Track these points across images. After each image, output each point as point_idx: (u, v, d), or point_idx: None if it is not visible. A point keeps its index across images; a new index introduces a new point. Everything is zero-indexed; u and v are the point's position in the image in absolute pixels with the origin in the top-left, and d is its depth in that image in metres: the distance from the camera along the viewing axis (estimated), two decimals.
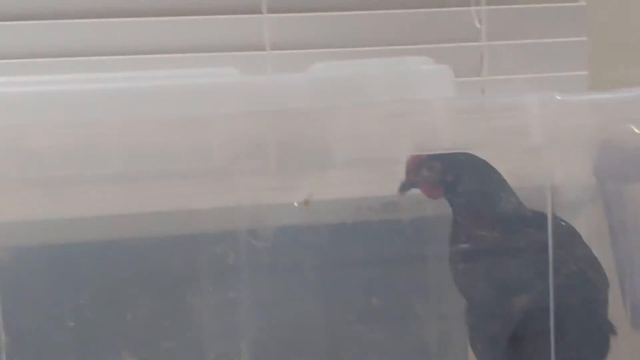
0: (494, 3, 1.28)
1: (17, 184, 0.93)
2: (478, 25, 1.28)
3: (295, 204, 1.01)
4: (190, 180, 0.98)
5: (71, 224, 1.01)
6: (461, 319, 1.03)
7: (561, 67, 1.29)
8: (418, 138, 0.98)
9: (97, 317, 1.04)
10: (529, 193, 1.01)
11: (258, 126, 0.94)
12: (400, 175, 1.02)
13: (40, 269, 1.01)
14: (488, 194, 1.02)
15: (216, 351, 1.01)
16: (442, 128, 0.97)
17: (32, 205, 0.97)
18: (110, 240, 1.04)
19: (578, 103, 0.98)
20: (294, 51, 1.23)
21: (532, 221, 1.00)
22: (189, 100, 0.93)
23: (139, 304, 1.04)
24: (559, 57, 1.30)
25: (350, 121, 0.95)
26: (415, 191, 1.02)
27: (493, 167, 1.02)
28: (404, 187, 1.02)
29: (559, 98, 0.95)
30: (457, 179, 1.01)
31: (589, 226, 1.06)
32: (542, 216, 0.98)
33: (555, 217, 0.97)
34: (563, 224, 1.01)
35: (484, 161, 1.02)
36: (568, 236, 1.01)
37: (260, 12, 1.21)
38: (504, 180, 1.02)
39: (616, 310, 1.03)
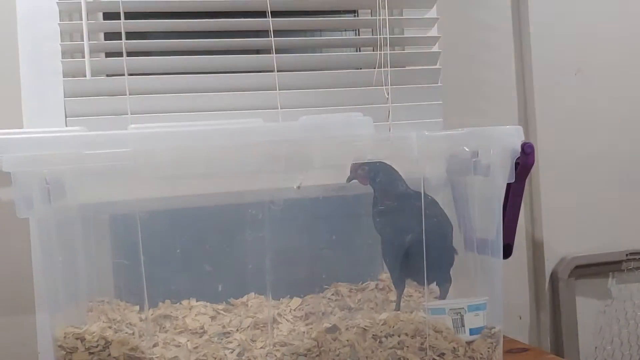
0: (395, 84, 1.27)
1: (149, 180, 0.92)
2: (387, 96, 1.26)
3: (295, 187, 0.99)
4: (239, 177, 0.98)
5: (177, 199, 1.00)
6: (378, 245, 1.03)
7: (429, 116, 1.29)
8: (356, 154, 0.99)
9: (192, 246, 1.03)
10: (413, 181, 1.00)
11: (274, 148, 0.93)
12: (347, 173, 1.01)
13: (162, 222, 0.99)
14: (391, 182, 1.01)
15: (252, 263, 1.00)
16: (368, 149, 0.98)
17: (157, 189, 0.96)
18: (198, 207, 1.03)
19: (437, 136, 0.99)
20: (293, 110, 1.22)
21: (414, 196, 1.00)
22: (239, 135, 0.92)
23: (213, 239, 1.03)
24: (428, 112, 1.29)
25: (322, 145, 0.95)
26: (355, 182, 1.02)
27: (394, 168, 1.02)
28: (349, 179, 1.02)
29: (427, 134, 0.95)
30: (376, 175, 1.01)
31: (443, 198, 1.06)
32: (418, 194, 0.98)
33: (425, 194, 0.98)
34: (429, 197, 1.00)
35: (390, 166, 1.02)
36: (432, 203, 1.01)
37: (275, 89, 1.21)
38: (400, 175, 1.02)
39: (456, 241, 1.03)
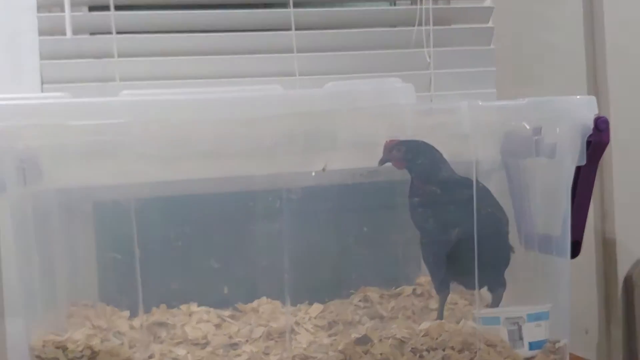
0: (438, 46, 1.27)
1: (145, 158, 0.92)
2: (428, 60, 1.26)
3: (313, 174, 0.99)
4: (251, 157, 0.98)
5: (178, 184, 1.01)
6: (417, 242, 1.03)
7: (480, 86, 1.28)
8: (392, 130, 0.99)
9: (195, 237, 1.04)
10: (460, 165, 1.00)
11: (292, 122, 0.93)
12: (380, 154, 1.01)
13: (159, 211, 1.01)
14: (433, 167, 1.01)
15: (267, 259, 1.01)
16: (407, 123, 0.98)
17: (153, 172, 0.96)
18: (202, 194, 1.04)
19: (492, 107, 0.98)
20: (313, 77, 1.22)
21: (460, 183, 1.00)
22: (251, 105, 0.91)
23: (222, 230, 1.04)
24: (479, 80, 1.29)
25: (349, 119, 0.94)
26: (389, 164, 1.01)
27: (437, 149, 1.01)
28: (382, 162, 1.01)
29: (480, 103, 0.95)
30: (415, 157, 1.00)
31: (497, 185, 1.06)
32: (466, 180, 0.98)
33: (476, 180, 0.97)
34: (480, 184, 1.00)
35: (432, 146, 1.01)
36: (483, 192, 1.01)
37: (292, 52, 1.21)
38: (444, 158, 1.01)
39: (513, 238, 1.03)
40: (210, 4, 1.25)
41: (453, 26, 1.33)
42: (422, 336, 0.95)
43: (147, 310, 1.04)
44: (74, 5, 1.18)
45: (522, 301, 1.01)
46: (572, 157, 0.98)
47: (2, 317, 1.11)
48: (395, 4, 1.37)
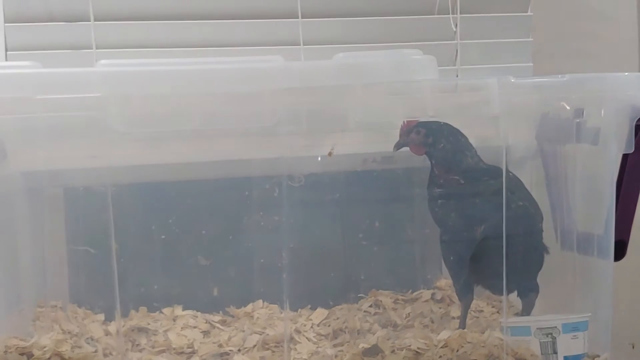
0: (466, 12, 1.27)
1: (124, 138, 0.93)
2: (454, 29, 1.26)
3: (319, 159, 1.00)
4: (247, 138, 0.99)
5: (162, 168, 1.02)
6: (437, 240, 1.03)
7: (513, 60, 1.28)
8: (410, 109, 0.99)
9: (180, 232, 1.05)
10: (488, 151, 1.00)
11: (295, 98, 0.93)
12: (396, 137, 1.01)
13: (140, 199, 1.02)
14: (457, 153, 1.01)
15: (264, 256, 1.02)
16: (428, 102, 0.98)
17: (134, 154, 0.97)
18: (190, 180, 1.04)
19: (526, 85, 0.98)
20: (320, 46, 1.22)
21: (488, 172, 1.01)
22: (248, 78, 0.92)
23: (210, 223, 1.05)
24: (512, 53, 1.28)
25: (361, 96, 0.95)
26: (406, 149, 1.02)
27: (462, 133, 1.02)
28: (398, 146, 1.02)
29: (513, 80, 0.95)
30: (436, 142, 1.01)
31: (530, 176, 1.07)
32: (495, 169, 0.99)
33: (506, 169, 0.97)
34: (511, 174, 1.01)
35: (456, 129, 1.02)
36: (514, 183, 1.01)
37: (297, 17, 1.21)
38: (469, 143, 1.02)
39: (548, 236, 1.03)
40: None
41: None
42: (441, 347, 0.96)
43: (125, 314, 1.05)
44: None
45: (557, 309, 1.02)
46: (618, 143, 0.98)
47: None
48: None
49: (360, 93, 0.94)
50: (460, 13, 1.26)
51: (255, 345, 1.01)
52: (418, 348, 0.95)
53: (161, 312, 1.08)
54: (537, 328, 0.96)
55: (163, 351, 1.01)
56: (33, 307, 1.04)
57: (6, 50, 1.16)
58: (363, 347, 0.96)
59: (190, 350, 1.01)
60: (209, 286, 1.08)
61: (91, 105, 0.89)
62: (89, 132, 0.91)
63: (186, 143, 1.00)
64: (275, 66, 0.96)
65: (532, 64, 1.29)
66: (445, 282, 1.13)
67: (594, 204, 1.00)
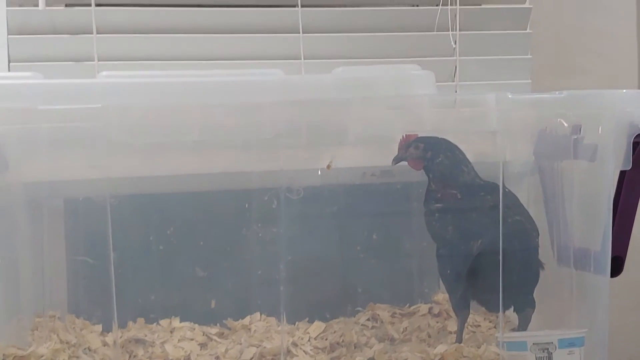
0: (465, 29, 1.27)
1: (125, 149, 0.93)
2: (453, 45, 1.26)
3: (319, 172, 1.00)
4: (246, 150, 0.99)
5: (162, 179, 1.02)
6: (433, 255, 1.03)
7: (512, 76, 1.28)
8: (408, 124, 0.99)
9: (178, 243, 1.05)
10: (485, 167, 1.01)
11: (294, 112, 0.94)
12: (394, 151, 1.02)
13: (139, 210, 1.02)
14: (454, 168, 1.01)
15: (262, 269, 1.02)
16: (426, 116, 0.99)
17: (134, 165, 0.98)
18: (189, 192, 1.05)
19: (523, 101, 0.98)
20: (321, 60, 1.23)
21: (484, 188, 1.01)
22: (247, 91, 0.92)
23: (208, 235, 1.05)
24: (511, 69, 1.29)
25: (360, 110, 0.95)
26: (404, 163, 1.02)
27: (460, 149, 1.02)
28: (396, 160, 1.02)
29: (510, 96, 0.95)
30: (434, 157, 1.01)
31: (528, 191, 1.07)
32: (491, 184, 1.00)
33: (503, 185, 0.98)
34: (507, 189, 1.01)
35: (454, 144, 1.02)
36: (510, 199, 1.01)
37: (298, 32, 1.21)
38: (467, 159, 1.02)
39: (544, 252, 1.03)
40: None
41: (483, 6, 1.33)
42: None
43: (123, 325, 1.05)
44: None
45: (553, 325, 1.02)
46: (615, 160, 0.98)
47: None
48: None
49: (360, 107, 0.95)
50: (460, 30, 1.27)
51: (252, 358, 1.00)
52: None
53: (158, 323, 1.08)
54: (534, 343, 0.96)
55: None
56: (32, 317, 1.04)
57: (9, 61, 1.17)
58: None
59: None
60: (207, 298, 1.08)
61: (92, 116, 0.89)
62: (89, 143, 0.91)
63: (186, 155, 1.00)
64: (274, 79, 0.95)
65: (530, 81, 1.29)
66: (442, 296, 1.13)
67: (591, 220, 1.00)
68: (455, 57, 1.26)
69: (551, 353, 0.96)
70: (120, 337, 1.01)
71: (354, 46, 1.25)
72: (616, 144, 0.98)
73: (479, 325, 1.09)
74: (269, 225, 0.98)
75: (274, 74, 0.96)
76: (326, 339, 1.05)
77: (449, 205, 1.01)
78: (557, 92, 0.98)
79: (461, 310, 1.03)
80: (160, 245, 1.04)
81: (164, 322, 1.08)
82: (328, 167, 1.00)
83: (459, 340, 1.02)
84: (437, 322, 1.10)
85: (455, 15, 1.26)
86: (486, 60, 1.28)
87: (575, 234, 1.01)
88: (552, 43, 1.36)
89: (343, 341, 1.04)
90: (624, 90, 1.00)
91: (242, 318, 1.09)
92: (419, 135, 1.01)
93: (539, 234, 1.03)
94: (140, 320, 1.08)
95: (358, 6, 1.29)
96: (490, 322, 1.10)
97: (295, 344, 1.04)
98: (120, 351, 1.00)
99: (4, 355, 0.92)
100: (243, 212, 1.02)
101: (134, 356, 1.02)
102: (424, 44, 1.27)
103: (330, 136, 0.98)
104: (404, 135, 1.01)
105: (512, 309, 1.03)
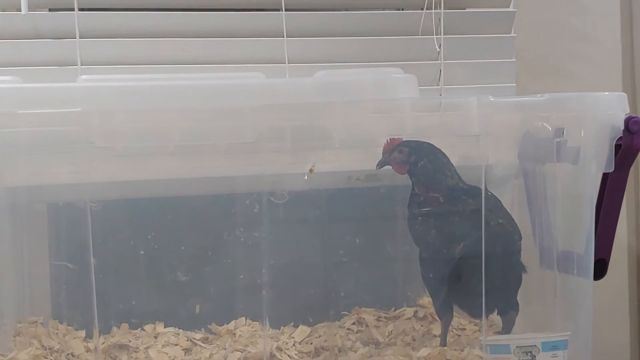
0: (450, 33, 1.27)
1: (106, 154, 0.93)
2: (438, 49, 1.26)
3: (305, 177, 1.00)
4: (229, 154, 0.98)
5: (143, 184, 1.01)
6: (417, 258, 1.03)
7: (497, 80, 1.28)
8: (392, 127, 0.99)
9: (160, 247, 1.05)
10: (469, 170, 1.01)
11: (277, 115, 0.94)
12: (378, 155, 1.02)
13: (120, 215, 1.02)
14: (437, 173, 1.02)
15: (244, 273, 1.02)
16: (409, 120, 0.98)
17: (115, 170, 0.97)
18: (170, 197, 1.04)
19: (505, 104, 0.99)
20: (305, 64, 1.22)
21: (467, 192, 1.01)
22: (229, 95, 0.92)
23: (190, 239, 1.04)
24: (495, 73, 1.28)
25: (344, 114, 0.95)
26: (388, 167, 1.02)
27: (443, 153, 1.02)
28: (381, 164, 1.02)
29: (492, 99, 0.95)
30: (417, 161, 1.01)
31: (512, 194, 1.07)
32: (474, 188, 1.00)
33: (485, 189, 0.98)
34: (489, 193, 1.01)
35: (437, 148, 1.02)
36: (493, 202, 1.02)
37: (282, 36, 1.21)
38: (450, 163, 1.02)
39: (526, 255, 1.03)
40: None
41: (467, 10, 1.33)
42: None
43: (106, 331, 1.05)
44: None
45: (537, 327, 1.02)
46: (598, 162, 0.99)
47: None
48: None
49: (343, 111, 0.95)
50: (445, 34, 1.26)
51: None
52: None
53: (143, 329, 1.08)
54: (517, 346, 0.96)
55: None
56: (13, 323, 1.03)
57: None
58: None
59: None
60: (191, 303, 1.08)
61: (72, 121, 0.89)
62: (70, 147, 0.91)
63: (167, 159, 0.99)
64: (256, 83, 0.96)
65: (515, 84, 1.30)
66: (427, 299, 1.12)
67: (575, 222, 1.00)
68: (440, 61, 1.26)
69: (535, 356, 0.96)
70: (104, 343, 1.01)
71: (339, 50, 1.25)
72: (599, 146, 0.98)
73: (464, 329, 1.09)
74: (251, 229, 0.98)
75: (255, 77, 0.96)
76: (311, 344, 1.05)
77: (432, 209, 1.01)
78: (539, 95, 0.98)
79: (444, 313, 1.03)
80: (142, 250, 1.04)
81: (148, 328, 1.08)
82: (310, 171, 1.00)
83: (443, 343, 1.02)
84: (422, 326, 1.10)
85: (440, 19, 1.26)
86: (471, 64, 1.28)
87: (559, 236, 1.01)
88: (536, 46, 1.36)
89: (328, 345, 1.03)
90: (606, 93, 1.01)
91: (227, 323, 1.09)
92: (403, 139, 1.01)
93: (521, 237, 1.03)
94: (124, 325, 1.08)
95: (343, 10, 1.29)
96: (475, 325, 1.10)
97: (280, 349, 1.03)
98: (103, 357, 0.99)
99: None
100: (225, 216, 1.02)
101: None
102: (409, 48, 1.27)
103: (314, 140, 0.98)
104: (388, 139, 1.01)
105: (495, 312, 1.03)
